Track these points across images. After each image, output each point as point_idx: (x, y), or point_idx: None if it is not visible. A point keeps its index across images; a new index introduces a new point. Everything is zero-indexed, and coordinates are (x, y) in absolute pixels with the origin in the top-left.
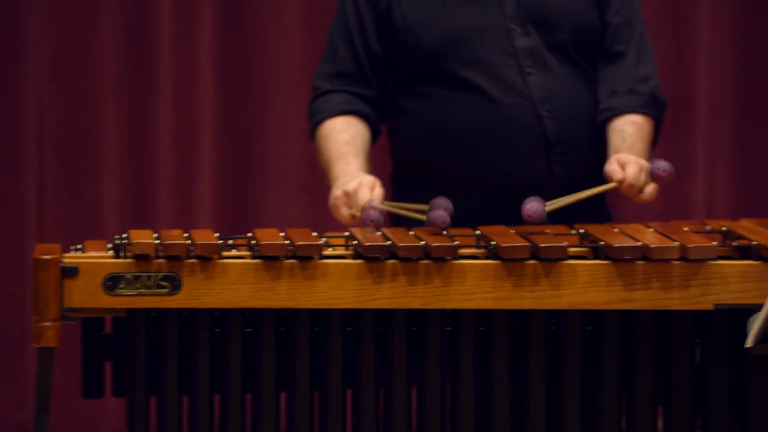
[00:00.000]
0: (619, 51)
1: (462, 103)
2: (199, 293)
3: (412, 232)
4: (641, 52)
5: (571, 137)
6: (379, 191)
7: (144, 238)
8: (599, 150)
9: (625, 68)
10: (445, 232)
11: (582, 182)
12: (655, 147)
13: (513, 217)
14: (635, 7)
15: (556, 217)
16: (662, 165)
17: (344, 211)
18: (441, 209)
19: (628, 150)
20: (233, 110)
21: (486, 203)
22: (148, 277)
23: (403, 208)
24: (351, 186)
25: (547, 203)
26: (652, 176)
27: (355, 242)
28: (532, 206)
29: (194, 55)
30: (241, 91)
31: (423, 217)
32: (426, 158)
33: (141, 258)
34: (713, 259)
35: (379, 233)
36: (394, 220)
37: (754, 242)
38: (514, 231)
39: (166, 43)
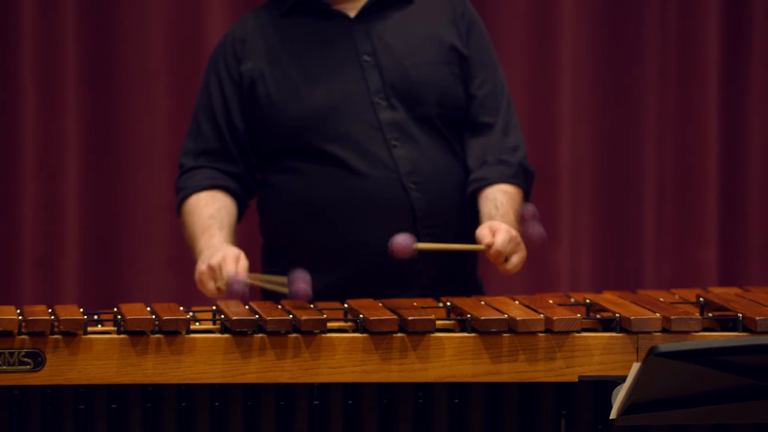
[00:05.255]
0: (487, 122)
1: (327, 177)
2: (64, 369)
3: (279, 306)
4: (508, 122)
5: (438, 209)
6: (243, 263)
7: (6, 314)
8: (467, 220)
9: (494, 139)
10: (312, 305)
11: (449, 253)
12: None
13: (382, 288)
14: (499, 79)
15: (426, 291)
16: (538, 230)
17: (210, 285)
18: (301, 282)
19: (500, 218)
20: (99, 182)
21: (354, 275)
22: (11, 353)
23: (266, 281)
24: (215, 260)
25: (418, 244)
26: (525, 237)
27: (223, 316)
28: (401, 240)
29: (60, 125)
30: (107, 162)
31: (285, 290)
32: (293, 232)
33: (3, 334)
34: (577, 332)
35: (246, 307)
36: (264, 294)
37: (617, 314)
38: (381, 304)
39: (31, 112)
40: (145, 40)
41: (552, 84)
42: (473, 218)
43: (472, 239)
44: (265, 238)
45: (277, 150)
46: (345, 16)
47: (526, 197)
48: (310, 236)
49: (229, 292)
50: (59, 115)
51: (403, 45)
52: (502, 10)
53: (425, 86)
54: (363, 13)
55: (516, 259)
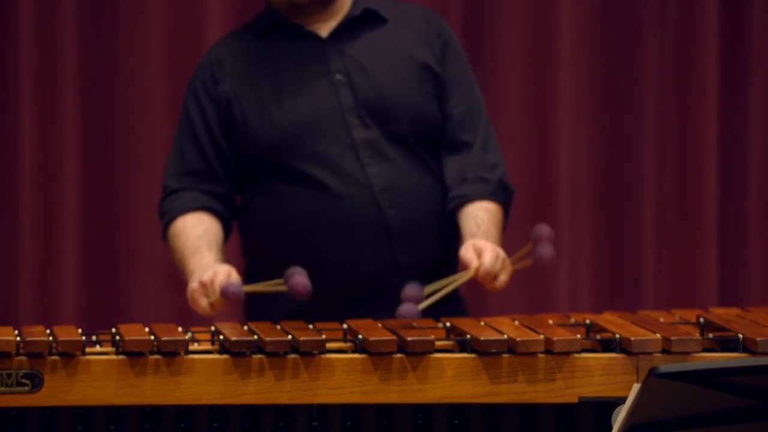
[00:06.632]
0: (465, 140)
1: (303, 196)
2: (62, 391)
3: (278, 326)
4: (487, 140)
5: (413, 226)
6: (235, 278)
7: (4, 335)
8: (444, 238)
9: (473, 156)
10: (311, 326)
11: (427, 271)
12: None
13: (362, 306)
14: (476, 97)
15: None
16: (550, 252)
17: (203, 302)
18: (298, 275)
19: (483, 235)
20: (98, 188)
21: (333, 294)
22: (9, 374)
23: (262, 287)
24: (207, 276)
25: (420, 305)
26: (536, 258)
27: (222, 337)
28: (406, 309)
29: (57, 141)
30: (106, 163)
31: (283, 288)
32: (273, 253)
33: (1, 355)
34: (577, 352)
35: (245, 328)
36: (255, 313)
37: (617, 335)
38: (381, 324)
39: (28, 127)
40: (144, 43)
41: (551, 84)
42: (451, 234)
43: (450, 255)
44: (246, 258)
45: (254, 170)
46: (317, 37)
47: (506, 214)
48: (289, 256)
49: (225, 296)
50: (57, 129)
51: (376, 63)
52: (502, 10)
53: (398, 104)
54: (335, 33)
55: (504, 277)
